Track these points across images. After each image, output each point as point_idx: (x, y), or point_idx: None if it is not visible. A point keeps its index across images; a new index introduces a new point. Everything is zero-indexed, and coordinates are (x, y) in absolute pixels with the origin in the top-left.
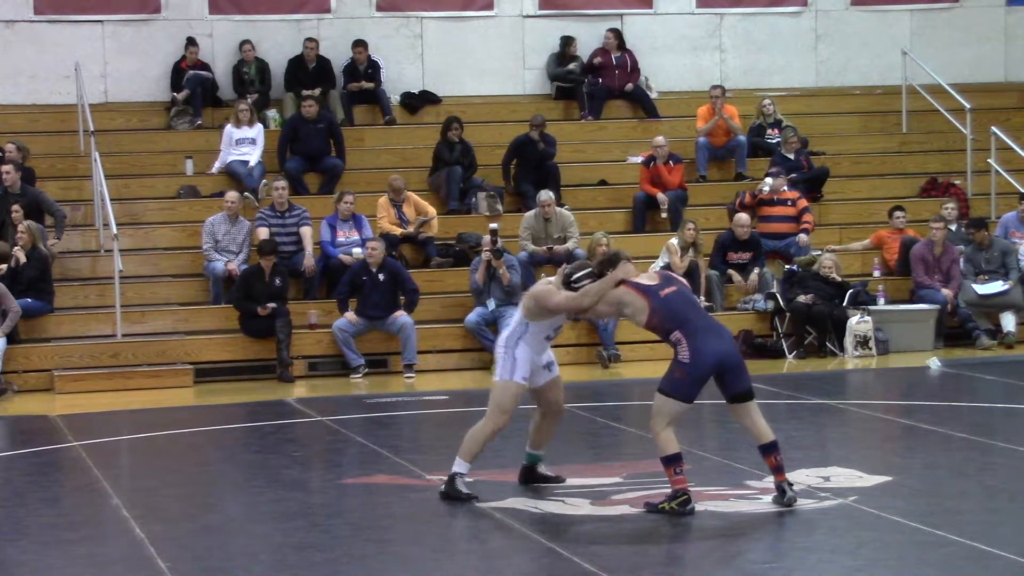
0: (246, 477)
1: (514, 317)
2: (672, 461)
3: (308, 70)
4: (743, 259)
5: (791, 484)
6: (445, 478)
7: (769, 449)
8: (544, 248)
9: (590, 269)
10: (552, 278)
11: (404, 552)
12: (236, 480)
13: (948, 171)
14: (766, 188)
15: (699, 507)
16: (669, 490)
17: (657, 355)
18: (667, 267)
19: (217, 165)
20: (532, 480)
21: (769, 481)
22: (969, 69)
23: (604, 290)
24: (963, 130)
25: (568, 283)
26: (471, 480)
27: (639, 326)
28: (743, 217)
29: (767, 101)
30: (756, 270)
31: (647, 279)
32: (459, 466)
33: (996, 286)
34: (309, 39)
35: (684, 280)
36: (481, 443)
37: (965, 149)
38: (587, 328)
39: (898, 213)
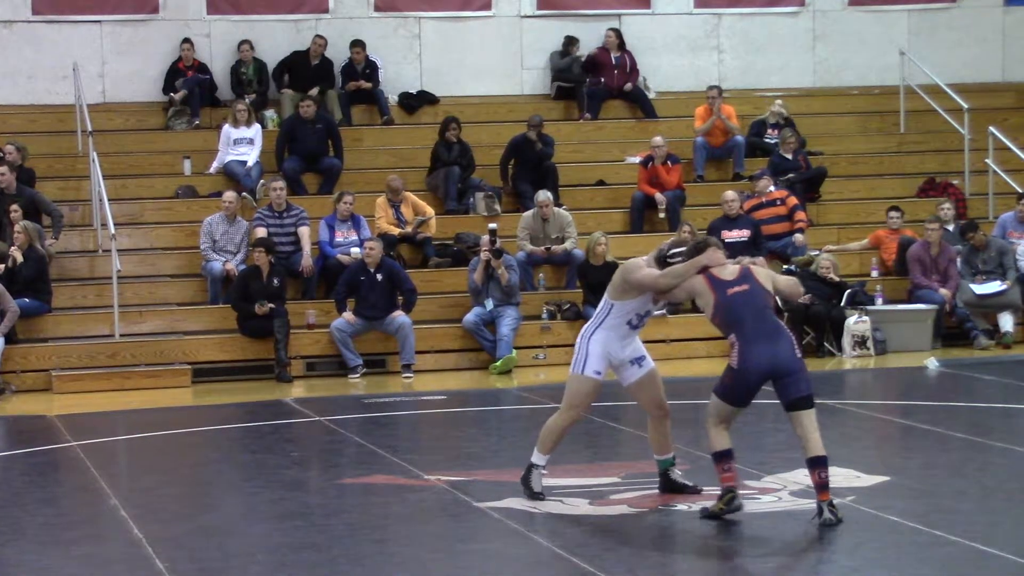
0: (244, 477)
1: (600, 304)
2: (719, 458)
3: (309, 68)
4: (741, 237)
5: (832, 505)
6: (444, 478)
7: (815, 464)
8: (542, 248)
9: (685, 248)
10: (645, 258)
11: (402, 552)
12: (234, 480)
13: (946, 171)
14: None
15: (696, 506)
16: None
17: (657, 355)
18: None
19: (215, 165)
20: (671, 489)
21: (768, 481)
22: (967, 69)
23: (686, 274)
24: (961, 130)
25: (662, 259)
26: (468, 480)
27: (711, 322)
28: (729, 193)
29: (779, 102)
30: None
31: (727, 273)
32: (536, 457)
33: (994, 286)
34: (317, 36)
35: (764, 284)
36: (556, 435)
37: (963, 149)
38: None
39: (893, 213)
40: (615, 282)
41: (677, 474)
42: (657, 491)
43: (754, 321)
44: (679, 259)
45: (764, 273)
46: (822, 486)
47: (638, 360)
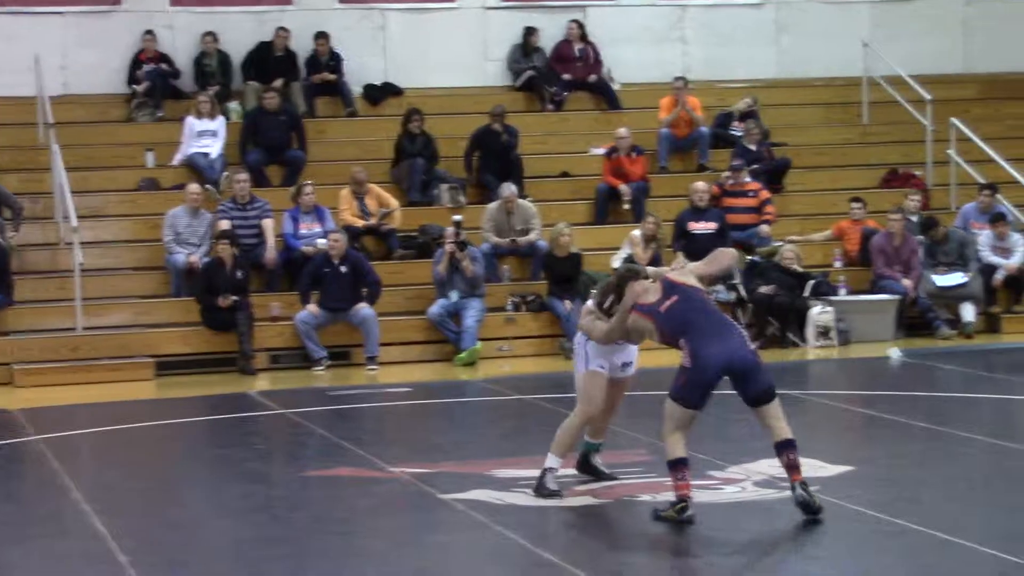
0: (208, 470)
1: None
2: (673, 466)
3: (274, 59)
4: (708, 229)
5: (805, 484)
6: (409, 471)
7: (783, 448)
8: (507, 240)
9: (614, 296)
10: (591, 302)
11: (366, 545)
12: (198, 474)
13: (908, 162)
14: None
15: (660, 497)
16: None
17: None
18: (630, 259)
19: (178, 157)
20: (587, 471)
21: (732, 471)
22: (929, 61)
23: (623, 321)
24: (923, 121)
25: (604, 311)
26: (433, 472)
27: (664, 344)
28: (699, 185)
29: (748, 99)
30: None
31: (651, 297)
32: (550, 461)
33: (956, 278)
34: (281, 28)
35: (691, 282)
36: (572, 435)
37: (925, 140)
38: (550, 319)
39: (855, 204)
40: (584, 331)
41: (598, 460)
42: (618, 482)
43: (701, 320)
44: (612, 303)
45: (686, 274)
46: (792, 467)
47: (626, 365)
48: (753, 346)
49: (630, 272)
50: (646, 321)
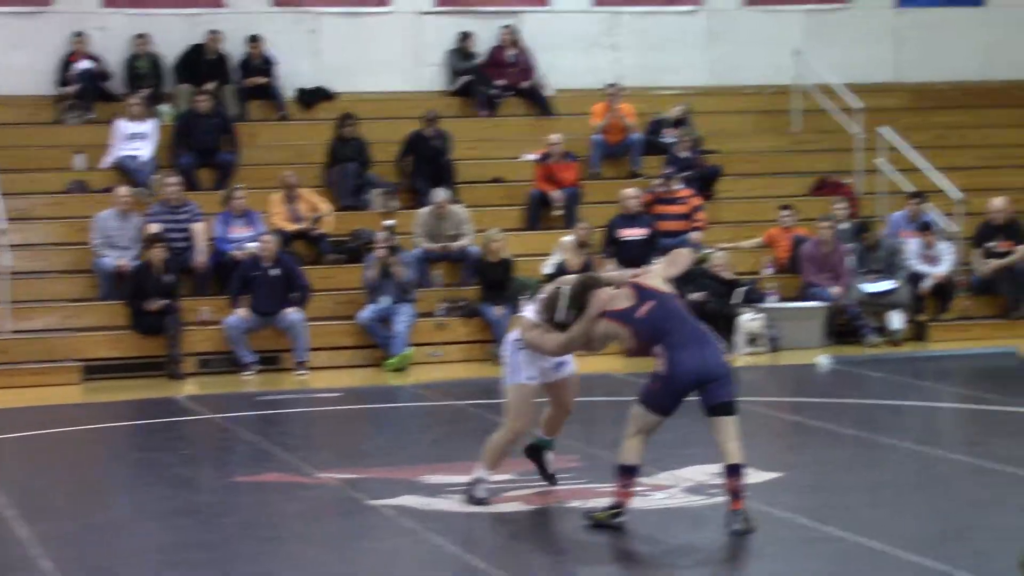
0: (135, 475)
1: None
2: (624, 472)
3: (206, 62)
4: (638, 235)
5: (744, 517)
6: (338, 476)
7: (730, 472)
8: (439, 245)
9: (565, 303)
10: (527, 313)
11: (294, 551)
12: (124, 478)
13: (838, 170)
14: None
15: (590, 504)
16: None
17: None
18: (560, 266)
19: (108, 160)
20: (535, 459)
21: (661, 477)
22: (859, 69)
23: (587, 330)
24: (853, 130)
25: (559, 325)
26: (362, 478)
27: (635, 353)
28: (629, 191)
29: (678, 108)
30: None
31: (624, 301)
32: (481, 472)
33: (884, 285)
34: (213, 31)
35: (664, 287)
36: (499, 450)
37: (855, 149)
38: (481, 324)
39: (784, 212)
40: (524, 341)
41: (549, 459)
42: (547, 488)
43: (679, 327)
44: (570, 314)
45: (655, 278)
46: (735, 494)
47: (559, 365)
48: (726, 356)
49: (591, 281)
50: (619, 327)
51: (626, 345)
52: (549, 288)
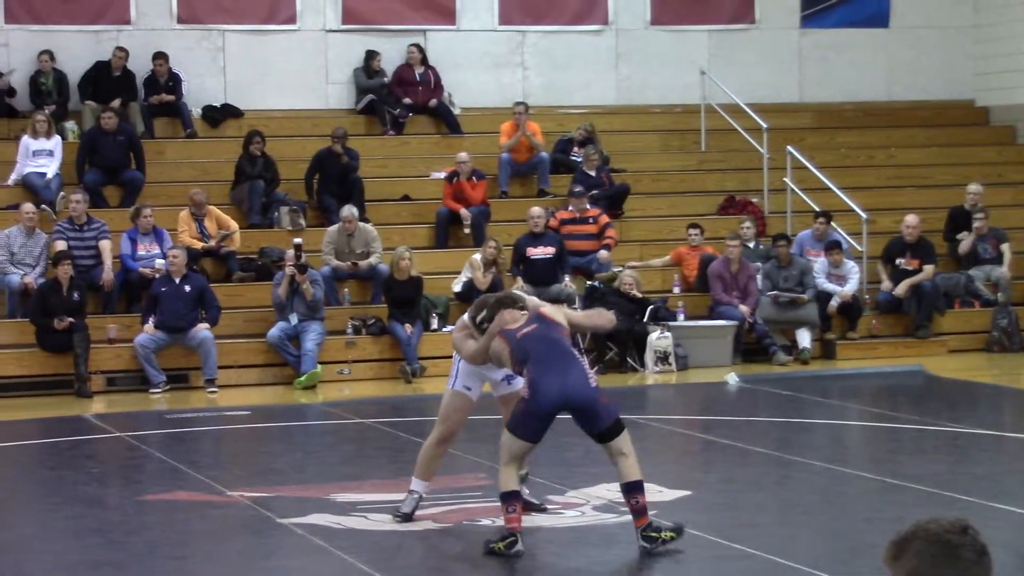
0: (41, 494)
1: None
2: (505, 499)
3: (110, 79)
4: (547, 253)
5: (649, 529)
6: (247, 495)
7: (629, 490)
8: (347, 263)
9: (486, 312)
10: (466, 316)
11: (203, 570)
12: (31, 497)
13: (745, 189)
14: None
15: (499, 521)
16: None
17: None
18: (469, 284)
19: (13, 177)
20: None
21: (571, 495)
22: (765, 89)
23: (486, 346)
24: (760, 149)
25: (475, 325)
26: (271, 496)
27: (514, 372)
28: (536, 210)
29: (588, 124)
30: (566, 279)
31: (516, 323)
32: (414, 484)
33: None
34: (119, 48)
35: (558, 318)
36: (427, 456)
37: (762, 168)
38: (390, 342)
39: (692, 231)
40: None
41: (525, 492)
42: (458, 505)
43: (544, 353)
44: (487, 324)
45: (556, 311)
46: (638, 512)
47: (509, 378)
48: (594, 381)
49: (507, 298)
50: (502, 343)
51: (508, 364)
52: (495, 295)
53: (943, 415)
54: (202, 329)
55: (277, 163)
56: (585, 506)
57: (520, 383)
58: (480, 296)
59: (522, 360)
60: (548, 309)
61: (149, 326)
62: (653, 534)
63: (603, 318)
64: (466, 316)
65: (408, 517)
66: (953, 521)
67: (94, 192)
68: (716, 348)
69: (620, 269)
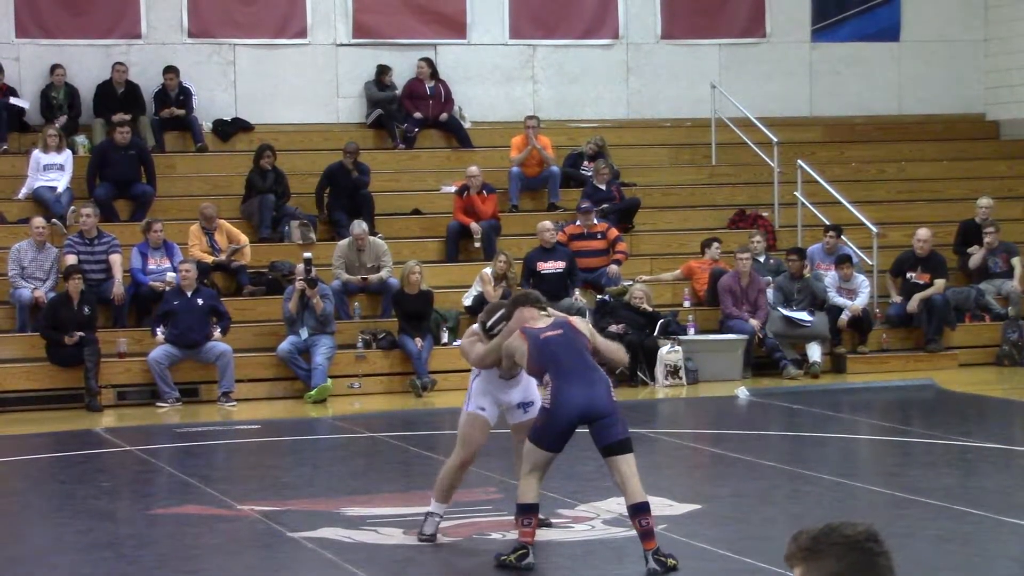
0: (52, 507)
1: None
2: (521, 511)
3: (117, 95)
4: (557, 268)
5: (658, 554)
6: (257, 509)
7: (636, 511)
8: (357, 277)
9: (502, 312)
10: (476, 326)
11: None
12: (41, 511)
13: (756, 203)
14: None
15: (511, 535)
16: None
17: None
18: (479, 298)
19: (24, 191)
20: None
21: (581, 509)
22: (775, 103)
23: (499, 344)
24: (770, 163)
25: (487, 332)
26: (282, 510)
27: (528, 374)
28: (546, 224)
29: (598, 137)
30: (577, 293)
31: (540, 323)
32: (432, 506)
33: (803, 315)
34: (118, 63)
35: (583, 329)
36: (448, 479)
37: (772, 182)
38: (400, 356)
39: (714, 245)
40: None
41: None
42: (468, 520)
43: (570, 362)
44: (501, 326)
45: (583, 324)
46: (646, 534)
47: (525, 405)
48: (614, 397)
49: (527, 297)
50: (522, 341)
51: (523, 365)
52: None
53: (953, 429)
54: (220, 342)
55: (288, 177)
56: (595, 520)
57: (535, 411)
58: (490, 303)
59: (543, 364)
60: (575, 319)
61: (159, 336)
62: (663, 559)
63: (620, 352)
64: (475, 326)
65: (432, 538)
66: (865, 528)
67: (105, 206)
68: (726, 362)
69: (631, 283)
